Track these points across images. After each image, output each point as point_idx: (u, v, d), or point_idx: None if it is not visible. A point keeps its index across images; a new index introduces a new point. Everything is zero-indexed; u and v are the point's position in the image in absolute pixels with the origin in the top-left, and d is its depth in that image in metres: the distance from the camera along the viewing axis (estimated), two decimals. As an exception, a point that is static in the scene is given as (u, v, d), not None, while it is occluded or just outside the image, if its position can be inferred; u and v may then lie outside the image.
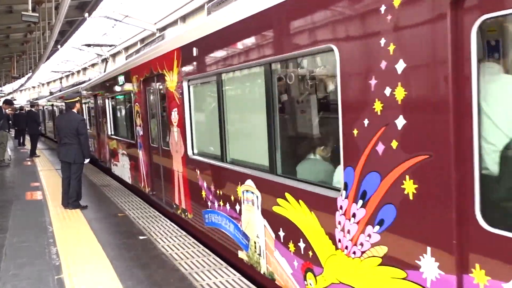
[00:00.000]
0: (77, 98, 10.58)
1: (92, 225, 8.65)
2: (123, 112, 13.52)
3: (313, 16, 4.37)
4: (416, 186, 3.32)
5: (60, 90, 30.90)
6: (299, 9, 4.55)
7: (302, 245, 4.74)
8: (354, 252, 3.98)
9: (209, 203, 7.03)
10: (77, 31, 23.90)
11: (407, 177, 3.39)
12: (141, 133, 10.86)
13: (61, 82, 44.23)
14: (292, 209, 4.88)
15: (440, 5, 3.05)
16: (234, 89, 6.58)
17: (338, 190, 4.22)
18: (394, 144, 3.48)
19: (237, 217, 6.14)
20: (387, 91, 3.51)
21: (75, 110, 10.26)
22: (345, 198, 4.05)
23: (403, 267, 3.48)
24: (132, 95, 11.40)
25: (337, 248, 4.20)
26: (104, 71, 19.21)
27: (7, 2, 17.09)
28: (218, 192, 6.68)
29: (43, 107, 36.86)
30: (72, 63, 47.84)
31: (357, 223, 3.91)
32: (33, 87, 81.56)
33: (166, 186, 9.32)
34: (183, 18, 26.96)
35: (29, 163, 19.01)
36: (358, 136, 3.86)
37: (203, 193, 7.20)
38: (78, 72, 55.42)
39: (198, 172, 7.39)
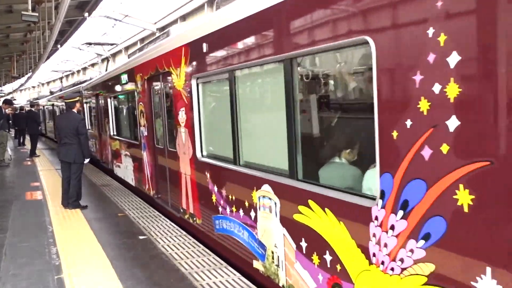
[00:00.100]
0: (77, 98, 10.40)
1: (92, 225, 8.51)
2: (126, 112, 12.86)
3: (343, 3, 3.84)
4: (473, 197, 2.79)
5: (61, 90, 30.24)
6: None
7: (328, 257, 4.21)
8: (392, 269, 3.45)
9: (220, 209, 6.49)
10: (77, 31, 23.66)
11: (461, 186, 2.86)
12: (145, 133, 10.25)
13: (61, 82, 43.67)
14: (316, 218, 4.36)
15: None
16: (248, 87, 6.01)
17: (372, 198, 3.71)
18: (445, 148, 2.95)
19: (252, 225, 5.61)
20: (436, 88, 2.98)
21: (75, 110, 10.10)
22: (382, 207, 3.52)
23: (456, 288, 3.00)
24: (135, 94, 10.77)
25: (371, 263, 3.68)
26: (106, 70, 18.58)
27: (7, 2, 16.86)
28: (230, 197, 6.15)
29: (43, 106, 36.07)
30: (72, 63, 47.36)
31: (397, 236, 3.39)
32: (33, 87, 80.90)
33: (172, 189, 8.76)
34: (183, 17, 26.54)
35: (29, 163, 18.71)
36: (399, 138, 3.33)
37: (214, 197, 6.66)
38: (78, 72, 54.88)
39: (208, 175, 6.83)
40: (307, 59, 4.73)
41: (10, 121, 25.55)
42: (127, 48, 36.11)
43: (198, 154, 7.20)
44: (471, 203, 2.82)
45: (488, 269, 2.75)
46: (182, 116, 7.70)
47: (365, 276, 3.75)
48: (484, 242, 2.79)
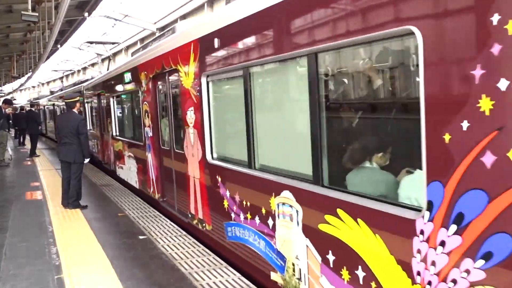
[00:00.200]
0: (77, 98, 10.13)
1: (92, 225, 8.34)
2: (130, 111, 12.16)
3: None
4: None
5: (61, 89, 29.71)
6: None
7: (361, 273, 3.68)
8: (441, 290, 2.98)
9: (232, 215, 5.93)
10: (76, 30, 23.33)
11: (534, 199, 2.38)
12: (150, 134, 9.62)
13: (62, 81, 43.19)
14: (346, 229, 3.84)
15: None
16: (266, 85, 5.47)
17: (417, 210, 3.19)
18: (513, 155, 2.48)
19: (269, 233, 5.06)
20: (503, 84, 2.47)
21: (75, 110, 9.86)
22: (429, 221, 3.00)
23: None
24: (139, 93, 10.12)
25: (414, 283, 3.16)
26: (107, 70, 18.08)
27: (7, 2, 16.58)
28: (244, 203, 5.59)
29: (44, 106, 35.24)
30: (72, 63, 46.94)
31: (448, 254, 2.88)
32: (33, 87, 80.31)
33: (180, 192, 8.18)
34: (183, 17, 26.16)
35: (29, 163, 18.33)
36: (452, 142, 2.81)
37: (225, 203, 6.10)
38: (78, 71, 54.41)
39: (219, 179, 6.27)
40: (334, 53, 4.17)
41: (10, 121, 25.27)
42: (127, 48, 35.72)
43: (208, 157, 6.63)
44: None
45: None
46: (190, 116, 7.13)
47: (407, 296, 3.27)
48: None
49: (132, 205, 9.92)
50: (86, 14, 19.39)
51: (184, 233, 7.65)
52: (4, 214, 9.40)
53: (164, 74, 8.42)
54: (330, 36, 3.91)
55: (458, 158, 2.78)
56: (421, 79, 3.02)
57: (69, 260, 6.45)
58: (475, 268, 2.71)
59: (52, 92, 34.27)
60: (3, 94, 48.69)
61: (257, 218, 5.30)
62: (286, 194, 4.67)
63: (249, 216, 5.50)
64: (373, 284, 3.57)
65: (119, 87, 12.32)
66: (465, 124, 2.71)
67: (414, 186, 3.38)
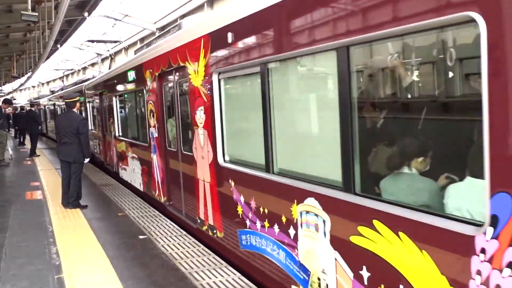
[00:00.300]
0: (77, 98, 9.97)
1: (92, 225, 8.18)
2: (133, 111, 11.51)
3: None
4: None
5: (62, 89, 29.10)
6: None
7: (403, 294, 3.24)
8: (509, 319, 2.48)
9: (247, 222, 5.41)
10: (76, 30, 23.01)
11: None
12: (155, 135, 9.03)
13: (63, 81, 42.78)
14: (384, 243, 3.34)
15: None
16: (286, 82, 4.93)
17: (476, 224, 2.70)
18: None
19: (290, 244, 4.55)
20: None
21: (75, 110, 9.72)
22: (493, 238, 2.52)
23: None
24: (144, 92, 9.54)
25: (473, 307, 2.71)
26: (109, 69, 17.60)
27: (7, 2, 16.29)
28: (261, 210, 5.08)
29: (44, 106, 34.45)
30: (71, 63, 46.61)
31: (518, 277, 2.42)
32: (33, 87, 79.89)
33: (187, 196, 7.64)
34: (183, 17, 25.82)
35: (29, 162, 17.93)
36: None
37: (239, 209, 5.57)
38: (78, 71, 54.05)
39: (232, 183, 5.74)
40: (369, 46, 3.66)
41: (10, 121, 24.93)
42: (127, 48, 35.37)
43: (220, 159, 6.09)
44: None
45: None
46: (200, 116, 6.57)
47: (463, 323, 2.77)
48: None
49: (132, 204, 9.74)
50: (86, 14, 19.11)
51: (184, 232, 7.46)
52: (4, 214, 9.23)
53: (170, 72, 7.89)
54: (366, 26, 3.40)
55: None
56: (483, 73, 2.52)
57: (69, 260, 6.34)
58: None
59: (52, 92, 33.71)
60: (3, 94, 48.38)
61: (276, 227, 4.79)
62: (311, 202, 4.17)
63: (266, 224, 4.98)
64: (418, 306, 3.11)
65: (123, 86, 11.76)
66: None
67: (465, 196, 2.91)
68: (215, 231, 6.44)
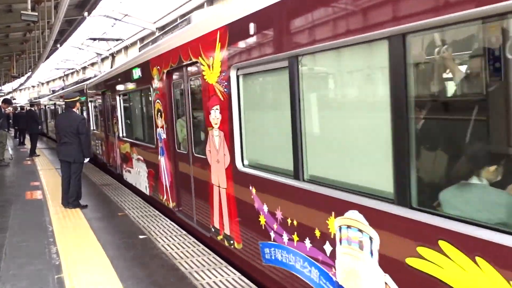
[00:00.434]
0: (77, 98, 9.91)
1: (92, 225, 8.10)
2: (139, 111, 10.84)
3: None
4: None
5: (63, 88, 28.57)
6: None
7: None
8: None
9: (271, 234, 4.84)
10: (76, 30, 22.95)
11: None
12: (163, 136, 8.41)
13: (63, 80, 42.89)
14: (455, 270, 2.78)
15: None
16: (322, 77, 4.32)
17: None
18: None
19: (326, 262, 3.99)
20: None
21: (75, 110, 9.66)
22: None
23: None
24: (151, 90, 8.92)
25: None
26: (111, 67, 17.61)
27: (7, 1, 16.18)
28: (289, 221, 4.50)
29: (45, 106, 33.63)
30: (71, 62, 46.70)
31: None
32: (33, 86, 79.59)
33: (199, 203, 7.03)
34: (183, 16, 25.90)
35: (29, 162, 17.89)
36: None
37: (262, 219, 5.01)
38: (78, 71, 54.18)
39: (253, 190, 5.16)
40: (430, 34, 3.09)
41: (10, 121, 25.09)
42: (126, 48, 35.46)
43: (238, 163, 5.51)
44: None
45: None
46: (215, 116, 6.00)
47: None
48: None
49: (132, 204, 9.62)
50: (85, 13, 19.00)
51: (184, 232, 7.32)
52: (4, 213, 9.17)
53: (181, 68, 7.28)
54: (426, 12, 2.85)
55: None
56: None
57: (69, 260, 6.28)
58: None
59: (53, 91, 33.08)
60: (3, 94, 48.08)
61: (307, 241, 4.22)
62: (354, 215, 3.59)
63: (295, 237, 4.40)
64: None
65: (127, 85, 11.07)
66: None
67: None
68: (232, 242, 5.84)
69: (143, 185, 10.27)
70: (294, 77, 4.30)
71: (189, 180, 7.36)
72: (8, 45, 25.63)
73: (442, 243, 2.86)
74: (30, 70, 28.76)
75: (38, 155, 19.95)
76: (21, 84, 47.53)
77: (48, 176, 13.94)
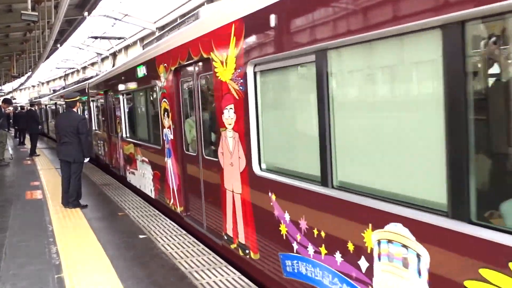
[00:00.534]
0: (77, 97, 9.88)
1: (92, 224, 8.06)
2: (144, 110, 10.35)
3: None
4: None
5: (64, 88, 28.27)
6: None
7: None
8: None
9: (294, 245, 4.39)
10: (76, 30, 22.77)
11: None
12: (170, 136, 7.96)
13: (65, 80, 42.93)
14: None
15: None
16: (356, 73, 3.81)
17: None
18: None
19: (361, 279, 3.54)
20: None
21: (75, 109, 9.63)
22: None
23: None
24: (157, 89, 8.45)
25: None
26: (113, 66, 17.51)
27: (7, 1, 16.01)
28: (315, 232, 4.06)
29: (46, 106, 33.30)
30: (71, 62, 46.72)
31: None
32: (33, 86, 79.46)
33: (210, 208, 6.59)
34: (183, 16, 25.98)
35: (29, 162, 17.82)
36: None
37: (283, 228, 4.56)
38: (78, 71, 54.24)
39: (273, 196, 4.71)
40: (494, 23, 2.63)
41: (10, 120, 25.13)
42: (126, 48, 35.55)
43: (255, 167, 5.06)
44: None
45: None
46: (228, 116, 5.56)
47: None
48: None
49: (132, 204, 9.55)
50: (85, 13, 18.79)
51: (184, 232, 7.22)
52: (4, 213, 9.13)
53: (190, 65, 6.84)
54: None
55: None
56: None
57: (69, 260, 6.26)
58: None
59: (54, 91, 32.72)
60: (3, 94, 47.96)
61: (338, 255, 3.78)
62: (397, 229, 3.15)
63: (323, 250, 3.96)
64: None
65: (131, 83, 10.60)
66: None
67: None
68: (247, 252, 5.39)
69: (148, 187, 9.82)
70: (322, 73, 3.86)
71: (198, 183, 6.92)
72: (8, 45, 25.41)
73: None
74: (30, 70, 28.49)
75: (38, 155, 19.87)
76: (21, 84, 47.35)
77: (48, 176, 13.84)
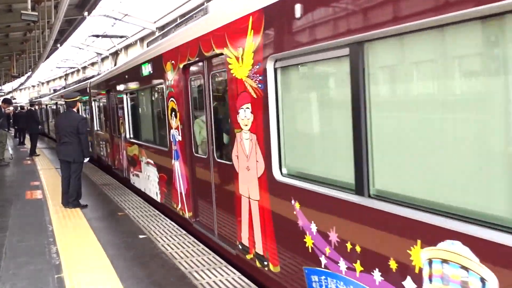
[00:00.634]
0: (77, 97, 9.82)
1: (92, 224, 8.03)
2: (149, 110, 9.82)
3: None
4: None
5: (65, 87, 27.93)
6: None
7: None
8: None
9: (322, 260, 3.95)
10: (76, 30, 22.67)
11: None
12: (178, 138, 7.50)
13: (65, 80, 42.93)
14: None
15: None
16: (399, 67, 3.31)
17: None
18: None
19: None
20: None
21: (75, 109, 9.58)
22: None
23: None
24: (164, 87, 7.99)
25: None
26: (114, 65, 17.41)
27: (7, 1, 15.86)
28: (348, 245, 3.61)
29: (46, 105, 32.99)
30: (71, 62, 46.75)
31: None
32: (33, 86, 79.49)
33: (222, 215, 6.15)
34: (183, 16, 25.96)
35: (29, 162, 17.75)
36: None
37: (309, 240, 4.13)
38: (78, 71, 54.29)
39: (296, 205, 4.26)
40: None
41: (10, 120, 25.14)
42: (127, 48, 35.54)
43: (276, 172, 4.61)
44: None
45: None
46: (244, 116, 5.11)
47: None
48: None
49: (132, 204, 9.50)
50: (85, 13, 18.67)
51: (184, 232, 7.14)
52: (4, 213, 9.09)
53: (201, 61, 6.40)
54: None
55: None
56: None
57: (69, 260, 6.23)
58: None
59: (55, 91, 32.36)
60: (3, 94, 48.01)
61: (377, 273, 3.34)
62: (454, 248, 2.72)
63: (358, 267, 3.52)
64: None
65: (135, 82, 10.13)
66: None
67: None
68: (266, 263, 4.92)
69: (153, 191, 9.33)
70: (357, 69, 3.42)
71: (209, 188, 6.46)
72: (8, 44, 25.21)
73: None
74: (30, 69, 28.28)
75: (38, 155, 19.80)
76: (21, 84, 47.32)
77: (48, 175, 13.76)
